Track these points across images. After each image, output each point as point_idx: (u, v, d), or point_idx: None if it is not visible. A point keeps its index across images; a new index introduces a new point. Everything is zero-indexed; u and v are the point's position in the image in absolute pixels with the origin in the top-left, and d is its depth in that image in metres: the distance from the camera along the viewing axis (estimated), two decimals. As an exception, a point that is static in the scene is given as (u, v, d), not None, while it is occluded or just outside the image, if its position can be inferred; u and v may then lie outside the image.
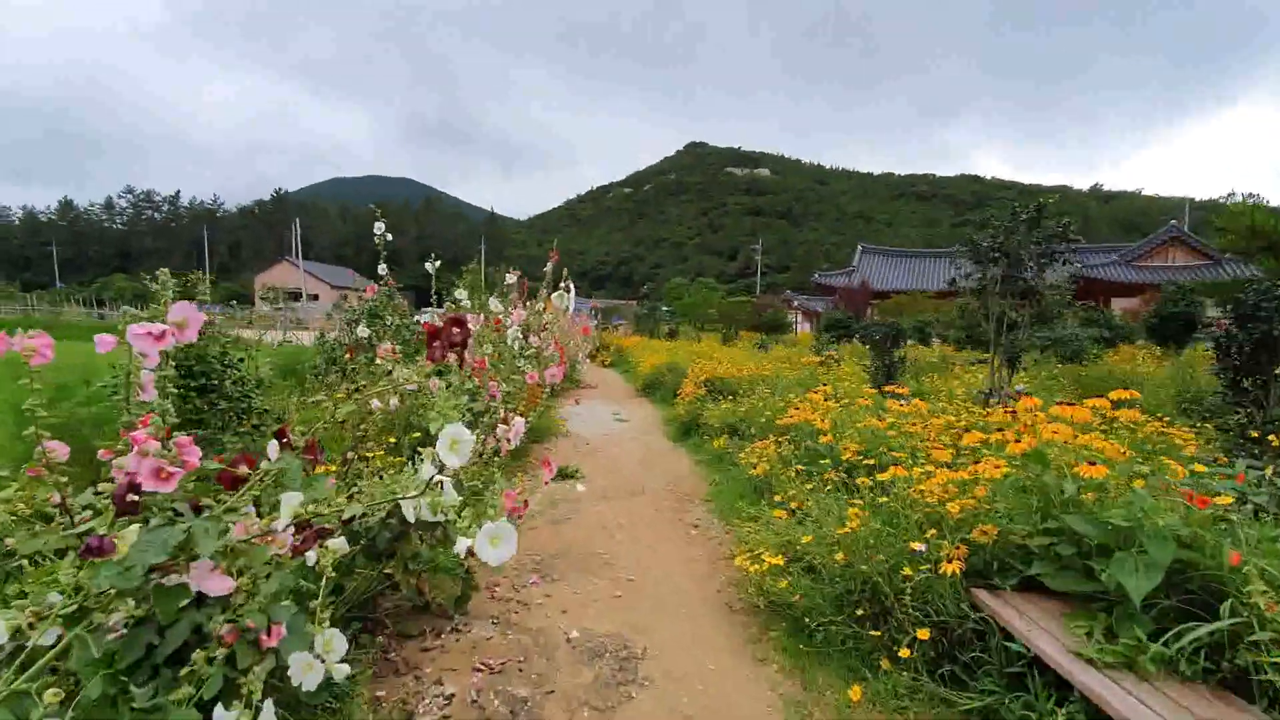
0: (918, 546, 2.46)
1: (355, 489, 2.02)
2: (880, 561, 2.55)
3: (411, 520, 1.82)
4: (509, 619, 3.03)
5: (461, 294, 5.27)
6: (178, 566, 1.29)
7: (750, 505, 4.66)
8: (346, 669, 1.47)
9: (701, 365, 9.94)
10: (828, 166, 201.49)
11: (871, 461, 3.57)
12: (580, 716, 2.32)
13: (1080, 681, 1.92)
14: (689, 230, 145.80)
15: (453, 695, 2.40)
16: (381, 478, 2.17)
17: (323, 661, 1.43)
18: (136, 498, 1.31)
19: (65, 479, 1.43)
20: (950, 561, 2.38)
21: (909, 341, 12.68)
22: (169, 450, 1.35)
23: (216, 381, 3.36)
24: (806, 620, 2.77)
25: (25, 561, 1.45)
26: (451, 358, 1.60)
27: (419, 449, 1.80)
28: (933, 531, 2.59)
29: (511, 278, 5.78)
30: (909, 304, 24.57)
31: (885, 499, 2.83)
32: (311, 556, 1.80)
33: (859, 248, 37.29)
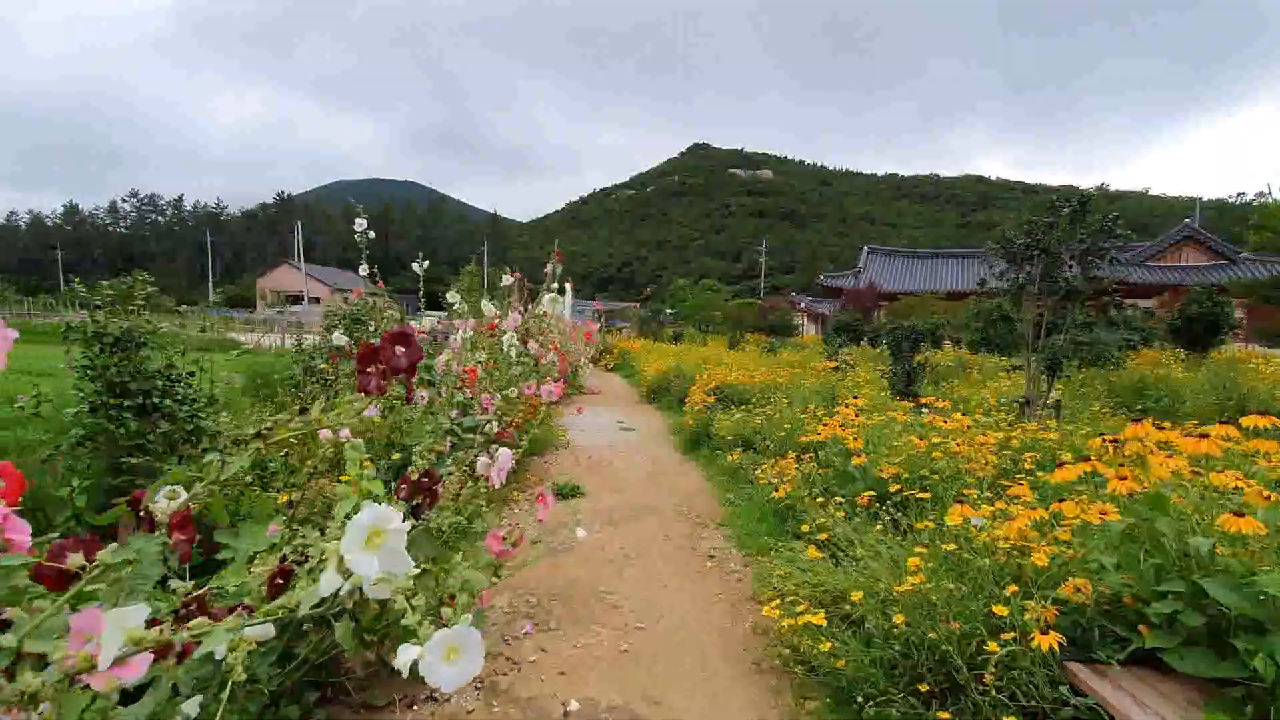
0: (1002, 612, 1.97)
1: (299, 536, 1.55)
2: (953, 629, 2.06)
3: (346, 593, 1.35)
4: (496, 684, 2.55)
5: (454, 296, 4.79)
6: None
7: (770, 533, 4.18)
8: None
9: (709, 371, 9.46)
10: (831, 168, 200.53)
11: (924, 495, 3.07)
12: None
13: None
14: (692, 232, 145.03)
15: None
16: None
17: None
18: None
19: None
20: (1045, 632, 1.89)
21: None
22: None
23: (158, 400, 2.88)
24: (853, 693, 2.29)
25: None
26: (394, 388, 1.12)
27: (327, 520, 1.27)
28: (1013, 588, 2.10)
29: (509, 278, 5.31)
30: (918, 305, 23.99)
31: (952, 546, 2.33)
32: (220, 651, 1.33)
33: (865, 249, 36.64)
